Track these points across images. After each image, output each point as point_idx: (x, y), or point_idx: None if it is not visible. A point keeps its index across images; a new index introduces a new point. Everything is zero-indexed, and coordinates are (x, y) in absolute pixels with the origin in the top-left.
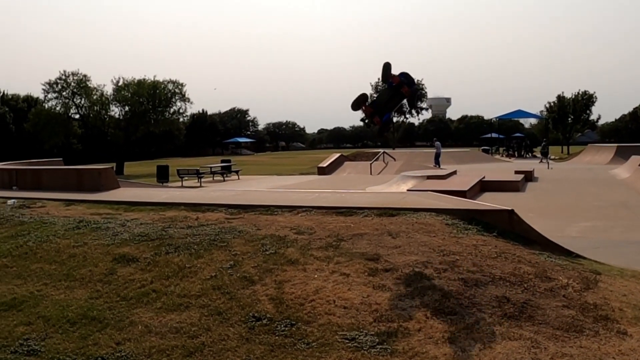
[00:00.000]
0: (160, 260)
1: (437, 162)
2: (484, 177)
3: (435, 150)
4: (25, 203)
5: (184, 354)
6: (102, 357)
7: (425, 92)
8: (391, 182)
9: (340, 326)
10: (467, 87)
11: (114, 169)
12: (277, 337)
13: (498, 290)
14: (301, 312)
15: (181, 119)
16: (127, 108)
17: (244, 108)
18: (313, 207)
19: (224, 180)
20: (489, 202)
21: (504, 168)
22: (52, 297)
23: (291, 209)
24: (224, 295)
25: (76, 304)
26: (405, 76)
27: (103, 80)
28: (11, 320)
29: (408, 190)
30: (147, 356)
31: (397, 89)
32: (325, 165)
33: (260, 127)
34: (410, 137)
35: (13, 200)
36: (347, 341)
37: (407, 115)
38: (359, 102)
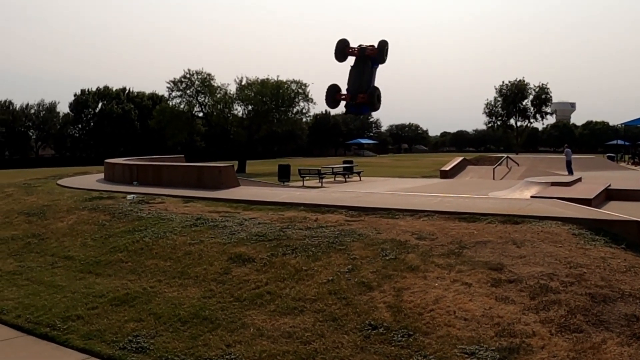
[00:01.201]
0: (276, 262)
1: (570, 170)
2: (609, 185)
3: (565, 158)
4: (144, 198)
5: None
6: (211, 359)
7: (550, 97)
8: (514, 188)
9: (459, 339)
10: (592, 92)
11: (236, 167)
12: (392, 348)
13: (627, 308)
14: (419, 322)
15: (304, 119)
16: (250, 107)
17: None
18: (435, 212)
19: (346, 181)
20: (615, 211)
21: (630, 176)
22: (164, 295)
23: (413, 213)
24: (340, 300)
25: (188, 303)
26: (366, 47)
27: (226, 79)
28: (122, 316)
29: (532, 196)
30: None
31: (363, 60)
32: (447, 168)
33: (383, 128)
34: (534, 142)
35: (133, 196)
36: (466, 355)
37: (532, 120)
38: (332, 93)
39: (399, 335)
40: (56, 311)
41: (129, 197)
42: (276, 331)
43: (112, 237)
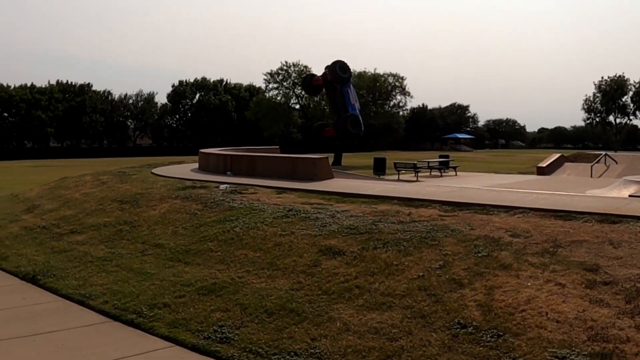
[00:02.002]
0: (367, 255)
1: None
2: None
3: None
4: (237, 189)
5: (380, 357)
6: (295, 352)
7: None
8: (612, 187)
9: (550, 342)
10: None
11: (332, 159)
12: (481, 348)
13: None
14: (510, 322)
15: (401, 113)
16: None
17: (465, 104)
18: (530, 209)
19: (441, 176)
20: None
21: None
22: (252, 285)
23: (507, 209)
24: (429, 297)
25: (276, 294)
26: (327, 69)
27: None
28: (209, 305)
29: (630, 195)
30: (342, 356)
31: (331, 86)
32: (544, 165)
33: (480, 123)
34: (633, 140)
35: (225, 185)
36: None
37: (631, 117)
38: (319, 130)
39: (488, 336)
40: (143, 298)
41: (222, 186)
42: (363, 326)
43: (203, 226)
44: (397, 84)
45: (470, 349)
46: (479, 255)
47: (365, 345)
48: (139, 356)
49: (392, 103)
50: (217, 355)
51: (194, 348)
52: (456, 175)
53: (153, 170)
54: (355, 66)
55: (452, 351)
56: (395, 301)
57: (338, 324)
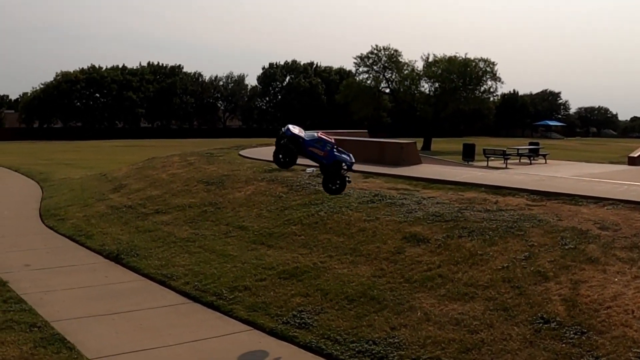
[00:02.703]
0: (451, 244)
1: None
2: None
3: None
4: None
5: (460, 349)
6: (374, 341)
7: None
8: None
9: (635, 342)
10: None
11: (422, 144)
12: (563, 345)
13: None
14: (594, 319)
15: (491, 98)
16: (437, 84)
17: (556, 90)
18: (620, 201)
19: (530, 164)
20: None
21: None
22: (334, 271)
23: (596, 200)
24: (513, 289)
25: (357, 281)
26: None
27: (413, 56)
28: (289, 290)
29: None
30: (421, 347)
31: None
32: (636, 155)
33: (572, 111)
34: None
35: (312, 169)
36: None
37: None
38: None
39: (572, 332)
40: (224, 280)
41: (308, 170)
42: (444, 317)
43: (287, 210)
44: (487, 69)
45: (552, 346)
46: (566, 247)
47: (445, 337)
48: (217, 339)
49: (482, 88)
50: (294, 340)
51: (272, 332)
52: (545, 163)
53: (240, 152)
54: (446, 50)
55: (533, 347)
56: (478, 292)
57: (419, 314)
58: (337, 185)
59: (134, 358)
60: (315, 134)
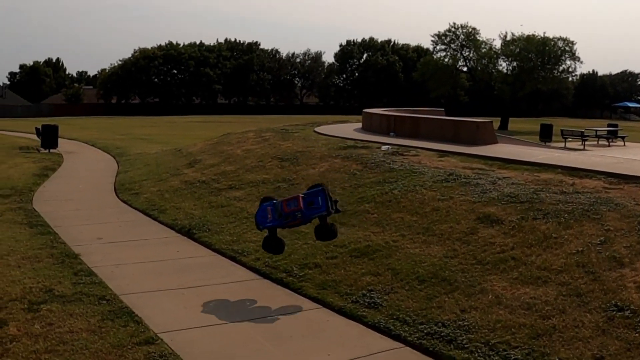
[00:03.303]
0: (525, 226)
1: None
2: None
3: None
4: (398, 150)
5: (530, 335)
6: (443, 323)
7: None
8: None
9: None
10: None
11: (499, 124)
12: (637, 335)
13: None
14: None
15: (570, 78)
16: (514, 63)
17: (636, 71)
18: None
19: (609, 145)
20: None
21: None
22: (406, 250)
23: None
24: (587, 274)
25: (429, 261)
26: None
27: (491, 34)
28: (360, 268)
29: None
30: (491, 330)
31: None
32: None
33: None
34: None
35: (387, 147)
36: None
37: None
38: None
39: None
40: (295, 257)
41: (384, 147)
42: (515, 301)
43: (361, 187)
44: (566, 48)
45: (625, 335)
46: None
47: (515, 322)
48: (285, 316)
49: (561, 68)
50: (363, 320)
51: (341, 311)
52: (624, 145)
53: (316, 129)
54: (524, 29)
55: (605, 335)
56: (551, 276)
57: (490, 297)
58: (327, 234)
59: (200, 333)
60: (279, 204)
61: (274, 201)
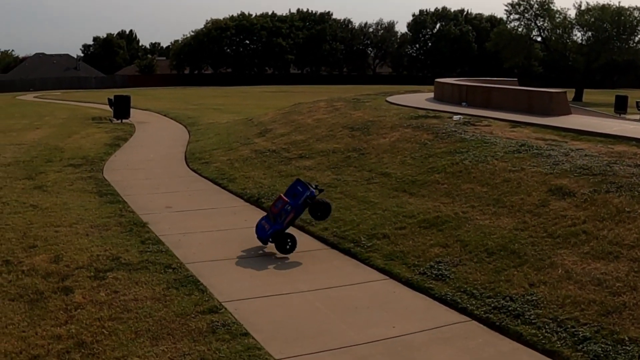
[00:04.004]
0: (598, 199)
1: None
2: None
3: None
4: (470, 120)
5: (599, 312)
6: (511, 297)
7: None
8: None
9: None
10: None
11: (573, 95)
12: None
13: None
14: None
15: None
16: (589, 33)
17: None
18: None
19: None
20: None
21: None
22: (475, 222)
23: None
24: None
25: (499, 233)
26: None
27: (566, 3)
28: (428, 239)
29: None
30: (559, 306)
31: None
32: None
33: None
34: None
35: (459, 116)
36: None
37: None
38: None
39: None
40: (363, 227)
41: (455, 117)
42: (585, 276)
43: (431, 157)
44: None
45: None
46: None
47: (585, 297)
48: (350, 287)
49: (637, 38)
50: (429, 292)
51: (408, 283)
52: None
53: (387, 99)
54: None
55: None
56: (623, 252)
57: (559, 271)
58: (320, 209)
59: (265, 303)
60: (269, 211)
61: (265, 215)
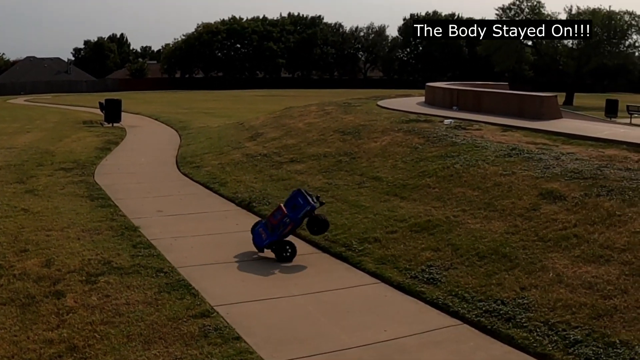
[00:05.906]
0: (588, 203)
1: None
2: None
3: None
4: (461, 124)
5: (590, 315)
6: (502, 301)
7: None
8: None
9: None
10: None
11: (564, 99)
12: None
13: None
14: None
15: (636, 53)
16: None
17: None
18: None
19: None
20: None
21: None
22: (467, 225)
23: None
24: None
25: (490, 237)
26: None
27: (556, 7)
28: (419, 243)
29: None
30: (551, 310)
31: None
32: None
33: None
34: None
35: (450, 120)
36: None
37: None
38: None
39: None
40: (354, 231)
41: (446, 121)
42: (576, 279)
43: (422, 161)
44: (633, 22)
45: None
46: None
47: (576, 301)
48: (342, 291)
49: (627, 43)
50: (421, 296)
51: (399, 287)
52: None
53: (378, 103)
54: (589, 3)
55: None
56: (614, 255)
57: (550, 275)
58: (319, 225)
59: (257, 306)
60: (267, 221)
61: (263, 221)
